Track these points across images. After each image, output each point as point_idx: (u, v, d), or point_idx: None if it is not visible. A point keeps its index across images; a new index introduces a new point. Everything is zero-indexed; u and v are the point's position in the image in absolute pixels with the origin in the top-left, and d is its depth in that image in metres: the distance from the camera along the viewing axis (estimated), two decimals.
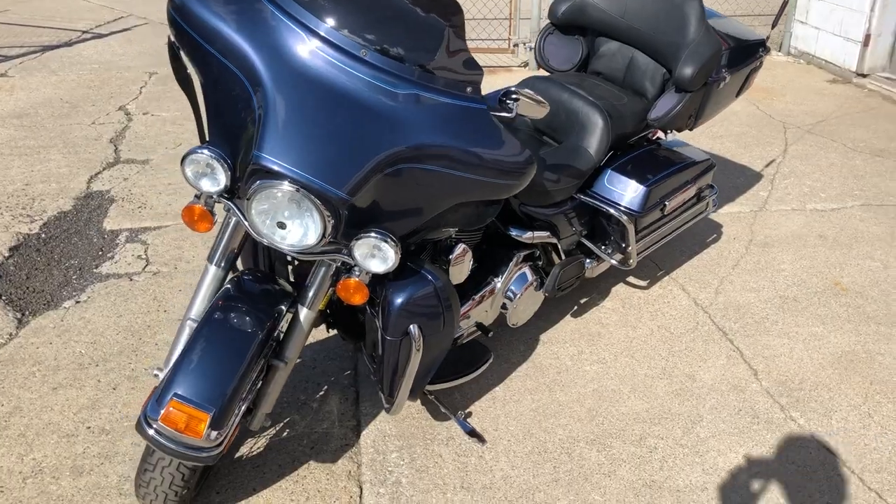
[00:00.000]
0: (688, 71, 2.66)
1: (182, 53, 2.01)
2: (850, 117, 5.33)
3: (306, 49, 1.85)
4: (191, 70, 2.02)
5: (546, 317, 3.03)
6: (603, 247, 2.89)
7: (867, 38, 5.94)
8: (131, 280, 3.29)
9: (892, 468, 2.34)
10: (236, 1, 1.93)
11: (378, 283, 2.08)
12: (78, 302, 3.13)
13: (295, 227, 1.85)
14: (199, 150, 1.87)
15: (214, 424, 1.83)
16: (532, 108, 2.03)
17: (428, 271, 2.09)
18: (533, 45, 6.29)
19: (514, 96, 2.02)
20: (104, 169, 4.25)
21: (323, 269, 2.05)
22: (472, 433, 2.45)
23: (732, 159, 4.58)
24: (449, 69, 1.89)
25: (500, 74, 6.27)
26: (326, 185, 1.76)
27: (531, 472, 2.32)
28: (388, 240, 1.88)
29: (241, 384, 1.88)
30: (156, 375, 2.11)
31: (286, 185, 1.77)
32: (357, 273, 1.97)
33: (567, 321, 3.04)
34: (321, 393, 2.64)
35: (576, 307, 3.13)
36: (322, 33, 1.85)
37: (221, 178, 1.89)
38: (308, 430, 2.47)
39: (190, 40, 1.94)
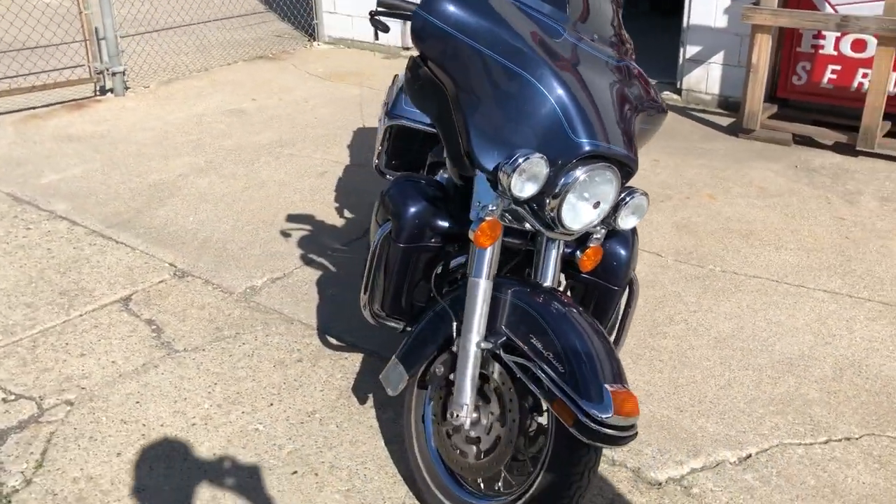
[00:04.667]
0: None
1: (431, 66, 1.88)
2: None
3: (562, 39, 1.96)
4: (443, 81, 1.90)
5: None
6: None
7: None
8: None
9: (791, 275, 3.42)
10: (490, 2, 1.90)
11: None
12: None
13: (599, 206, 1.96)
14: (528, 156, 1.81)
15: None
16: None
17: None
18: (117, 69, 5.81)
19: None
20: None
21: (554, 248, 2.13)
22: None
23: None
24: (626, 42, 2.20)
25: (91, 108, 5.66)
26: (632, 154, 1.95)
27: (641, 374, 2.78)
28: (642, 193, 2.12)
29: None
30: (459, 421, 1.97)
31: (603, 165, 1.90)
32: (597, 238, 2.15)
33: None
34: None
35: None
36: (579, 30, 1.99)
37: (542, 177, 1.87)
38: None
39: (450, 47, 1.85)
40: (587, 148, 1.85)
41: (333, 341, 2.94)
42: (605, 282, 2.26)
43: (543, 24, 1.98)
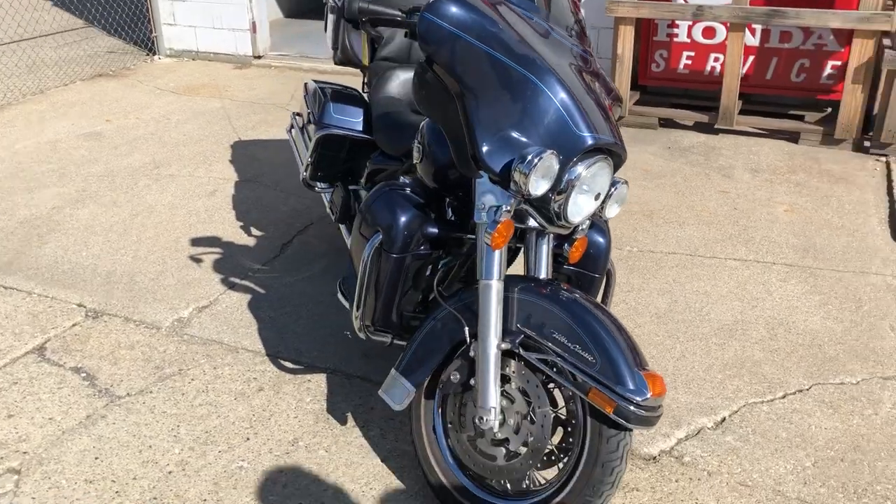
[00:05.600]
0: None
1: (437, 70, 1.86)
2: (290, 90, 6.21)
3: (548, 34, 2.00)
4: (449, 84, 1.87)
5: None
6: None
7: (254, 25, 6.84)
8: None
9: (701, 248, 3.66)
10: (485, 3, 1.90)
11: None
12: None
13: (596, 197, 2.02)
14: (541, 154, 1.82)
15: None
16: None
17: None
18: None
19: None
20: None
21: (545, 243, 2.16)
22: None
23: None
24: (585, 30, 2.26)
25: None
26: (621, 144, 2.03)
27: None
28: (623, 182, 2.19)
29: None
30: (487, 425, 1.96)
31: (601, 157, 1.96)
32: (582, 230, 2.20)
33: None
34: None
35: None
36: (549, 21, 2.03)
37: (554, 173, 1.89)
38: None
39: (456, 49, 1.84)
40: (590, 142, 1.89)
41: (289, 365, 2.82)
42: (587, 270, 2.32)
43: (526, 16, 2.01)
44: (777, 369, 2.77)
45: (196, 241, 3.72)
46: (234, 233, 3.82)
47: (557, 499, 1.95)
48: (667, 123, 5.22)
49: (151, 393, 2.67)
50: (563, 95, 1.89)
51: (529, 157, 1.82)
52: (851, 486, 2.28)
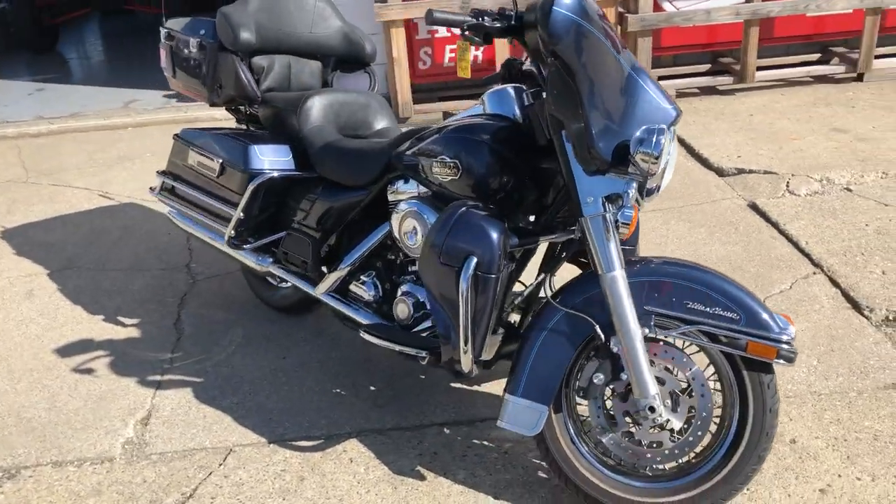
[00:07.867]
0: (370, 46, 3.12)
1: (559, 65, 1.80)
2: (16, 160, 5.35)
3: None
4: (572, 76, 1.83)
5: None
6: None
7: None
8: None
9: None
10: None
11: None
12: None
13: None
14: (661, 133, 1.84)
15: None
16: None
17: None
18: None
19: None
20: None
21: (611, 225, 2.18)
22: None
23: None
24: None
25: None
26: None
27: None
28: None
29: None
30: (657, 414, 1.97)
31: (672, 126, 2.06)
32: (633, 201, 2.24)
33: None
34: None
35: None
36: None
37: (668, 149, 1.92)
38: None
39: (582, 39, 1.85)
40: (674, 113, 1.97)
41: (307, 443, 2.49)
42: (625, 245, 2.39)
43: None
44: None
45: (66, 351, 3.06)
46: (102, 329, 3.20)
47: (735, 457, 2.00)
48: (449, 116, 5.39)
49: None
50: (643, 73, 1.93)
51: (654, 139, 1.84)
52: (855, 368, 2.65)
